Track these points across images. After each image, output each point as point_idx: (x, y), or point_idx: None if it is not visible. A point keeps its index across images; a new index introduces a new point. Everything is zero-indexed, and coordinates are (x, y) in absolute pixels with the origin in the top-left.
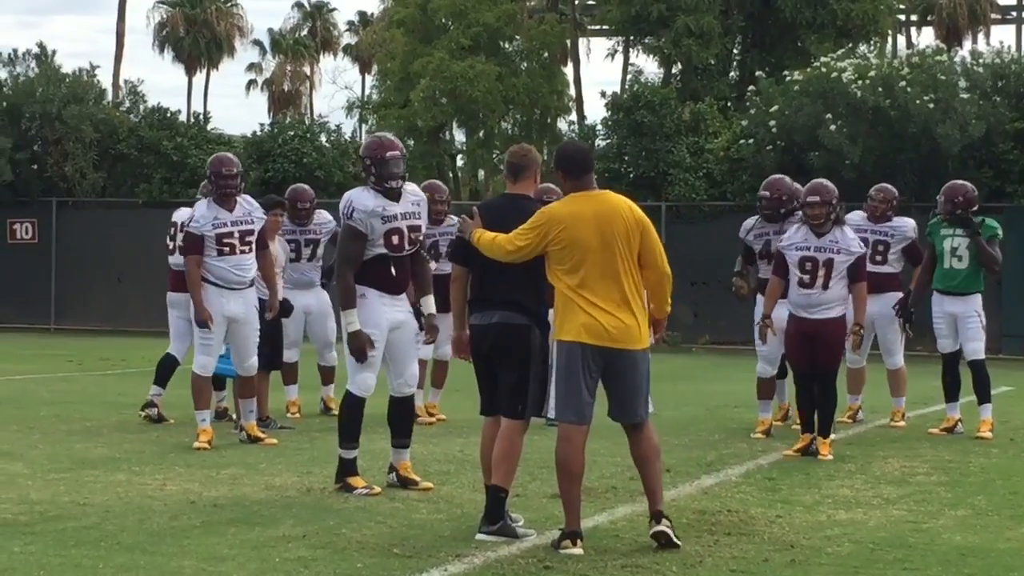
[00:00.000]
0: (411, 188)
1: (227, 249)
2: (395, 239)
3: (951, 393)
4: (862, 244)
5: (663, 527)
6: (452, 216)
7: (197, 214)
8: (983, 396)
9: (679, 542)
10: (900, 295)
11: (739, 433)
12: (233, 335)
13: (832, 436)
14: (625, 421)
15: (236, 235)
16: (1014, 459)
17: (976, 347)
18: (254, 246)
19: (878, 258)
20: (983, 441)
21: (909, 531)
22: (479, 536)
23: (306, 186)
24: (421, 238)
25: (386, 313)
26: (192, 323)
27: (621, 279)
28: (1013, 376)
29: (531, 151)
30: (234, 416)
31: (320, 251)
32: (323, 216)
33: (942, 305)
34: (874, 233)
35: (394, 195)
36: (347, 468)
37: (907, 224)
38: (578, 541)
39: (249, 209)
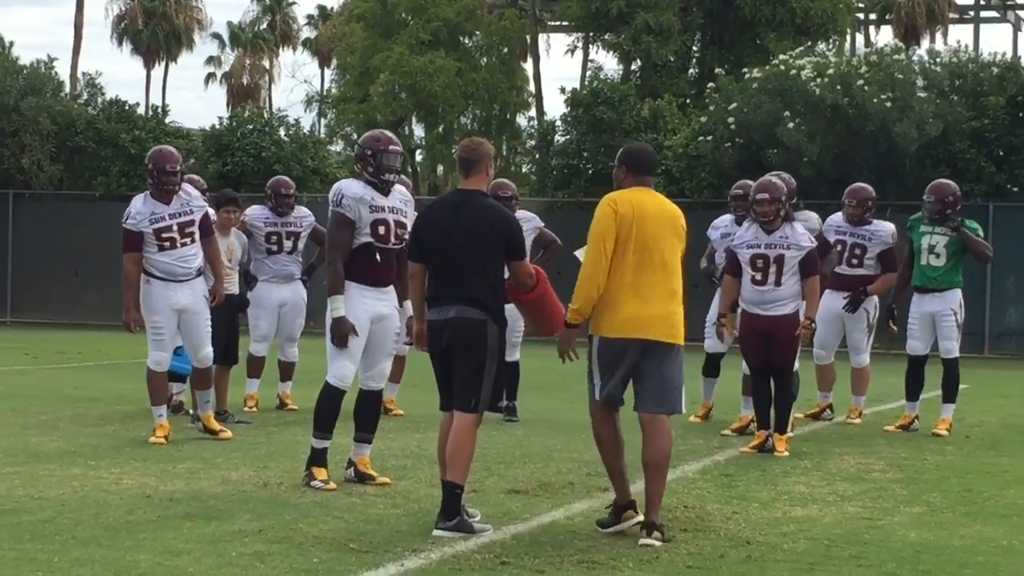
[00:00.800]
0: (400, 188)
1: (168, 243)
2: (381, 229)
3: (913, 392)
4: (812, 239)
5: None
6: None
7: (133, 210)
8: (949, 395)
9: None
10: (873, 297)
11: (696, 429)
12: (184, 326)
13: (788, 433)
14: (651, 411)
15: (175, 228)
16: (969, 457)
17: (950, 346)
18: (197, 236)
19: (854, 261)
20: (938, 439)
21: (864, 528)
22: (436, 532)
23: (286, 177)
24: (407, 236)
25: (367, 305)
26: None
27: (671, 273)
28: (968, 374)
29: (482, 144)
30: (191, 411)
31: (301, 245)
32: (303, 211)
33: (920, 305)
34: (852, 236)
35: (385, 188)
36: (315, 458)
37: (885, 228)
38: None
39: (187, 199)
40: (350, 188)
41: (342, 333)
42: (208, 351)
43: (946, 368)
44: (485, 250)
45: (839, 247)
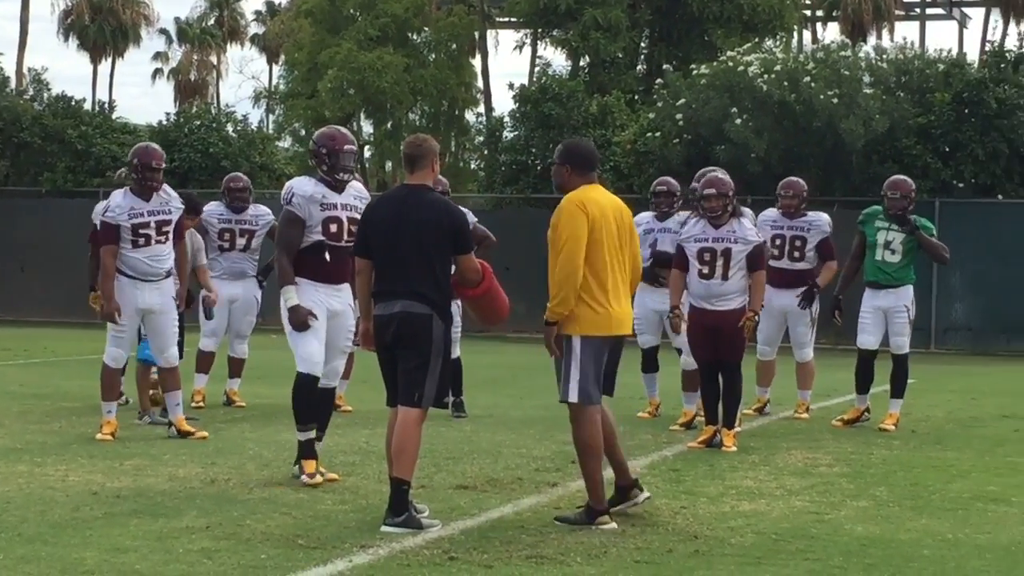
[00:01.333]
0: (357, 185)
1: (142, 240)
2: (333, 227)
3: (863, 386)
4: (759, 234)
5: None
6: None
7: (113, 203)
8: (897, 391)
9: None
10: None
11: (644, 424)
12: (151, 326)
13: (736, 428)
14: (609, 395)
15: (153, 225)
16: (915, 451)
17: (901, 342)
18: (171, 236)
19: (796, 254)
20: (885, 433)
21: (811, 522)
22: (384, 528)
23: (240, 173)
24: None
25: (320, 299)
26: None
27: (626, 267)
28: (915, 369)
29: (427, 141)
30: (128, 400)
31: (255, 243)
32: (262, 209)
33: (873, 300)
34: (791, 229)
35: (339, 186)
36: (303, 450)
37: (822, 219)
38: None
39: (167, 199)
40: (301, 187)
41: (300, 319)
42: (174, 351)
43: (896, 364)
44: (431, 245)
45: (778, 241)
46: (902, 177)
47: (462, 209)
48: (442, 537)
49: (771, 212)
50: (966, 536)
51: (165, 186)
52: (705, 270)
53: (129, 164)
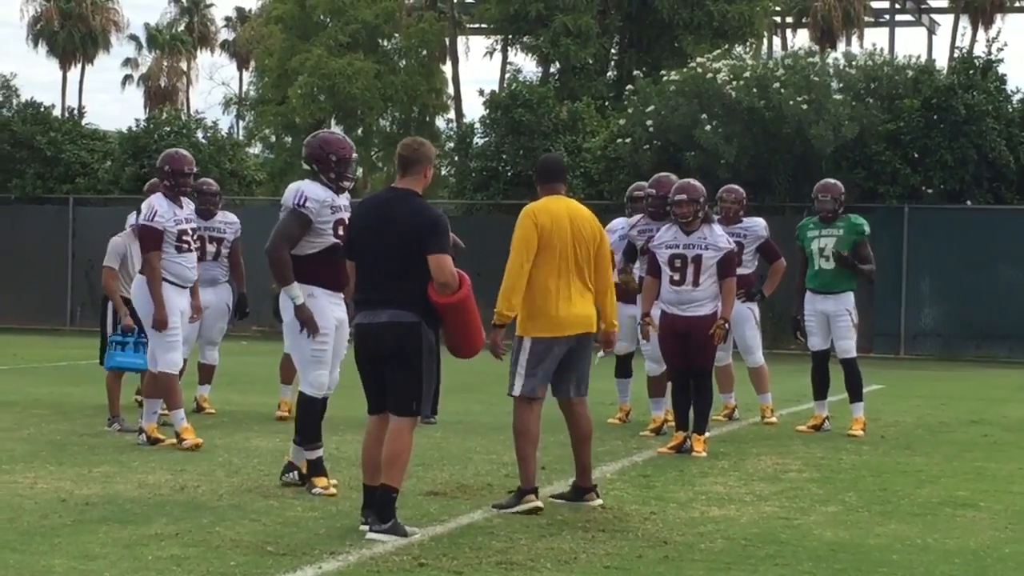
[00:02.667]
0: None
1: (185, 246)
2: (340, 229)
3: (819, 391)
4: (731, 241)
5: (600, 500)
6: None
7: (160, 209)
8: (855, 395)
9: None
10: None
11: (614, 430)
12: (189, 330)
13: (707, 434)
14: (577, 396)
15: (190, 232)
16: (884, 456)
17: (847, 345)
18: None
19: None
20: (854, 439)
21: (781, 527)
22: (370, 535)
23: (211, 180)
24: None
25: (333, 311)
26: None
27: (585, 273)
28: (884, 374)
29: (424, 145)
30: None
31: (225, 251)
32: (230, 216)
33: (814, 304)
34: (731, 235)
35: (339, 191)
36: (314, 469)
37: (758, 223)
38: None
39: (191, 208)
40: (314, 191)
41: (309, 317)
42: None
43: (846, 368)
44: (414, 250)
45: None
46: (831, 180)
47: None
48: (412, 543)
49: None
50: (935, 541)
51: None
52: (676, 276)
53: (160, 171)
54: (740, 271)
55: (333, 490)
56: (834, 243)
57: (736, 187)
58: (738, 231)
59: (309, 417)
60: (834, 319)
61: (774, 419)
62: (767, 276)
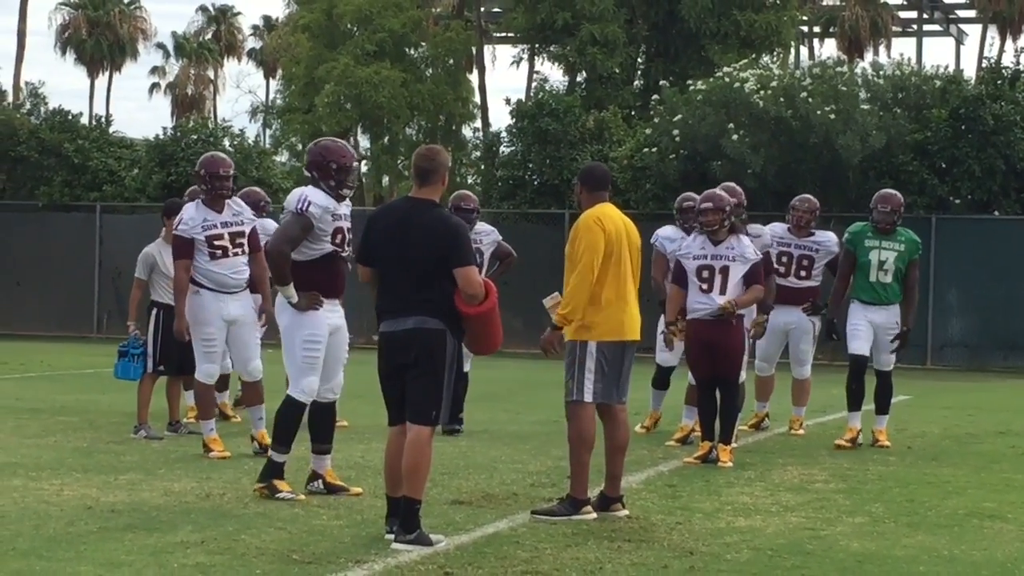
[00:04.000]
0: None
1: (219, 252)
2: (339, 238)
3: (855, 401)
4: (758, 252)
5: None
6: None
7: (186, 216)
8: (883, 407)
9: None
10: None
11: (640, 440)
12: (233, 338)
13: (733, 444)
14: (620, 403)
15: (226, 237)
16: (911, 467)
17: (889, 359)
18: (246, 247)
19: (802, 273)
20: (882, 449)
21: (807, 538)
22: (395, 545)
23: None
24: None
25: (328, 319)
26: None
27: (633, 279)
28: (910, 385)
29: (440, 153)
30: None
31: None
32: (269, 224)
33: (865, 312)
34: (798, 248)
35: (339, 198)
36: (275, 470)
37: (830, 238)
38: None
39: (238, 211)
40: (316, 196)
41: (308, 303)
42: (257, 363)
43: (882, 380)
44: (437, 260)
45: (784, 259)
46: (891, 191)
47: (489, 227)
48: (437, 552)
49: (778, 227)
50: (962, 552)
51: (235, 198)
52: (704, 286)
53: (197, 175)
54: (808, 284)
55: (302, 496)
56: (895, 258)
57: (810, 197)
58: (810, 244)
59: (289, 421)
60: (884, 331)
61: (802, 431)
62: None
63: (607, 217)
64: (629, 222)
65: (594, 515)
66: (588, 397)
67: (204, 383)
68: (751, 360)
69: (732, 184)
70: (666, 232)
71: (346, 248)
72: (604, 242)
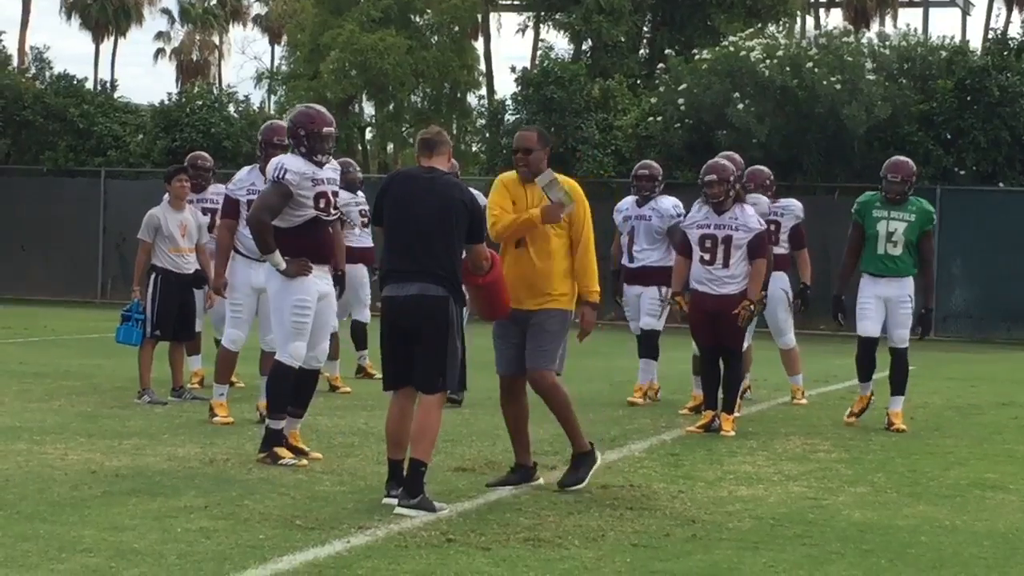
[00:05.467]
0: (331, 159)
1: None
2: (322, 202)
3: (865, 373)
4: (762, 222)
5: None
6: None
7: (236, 177)
8: (898, 387)
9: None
10: (785, 275)
11: (643, 409)
12: (263, 307)
13: (735, 413)
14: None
15: None
16: (913, 438)
17: (903, 334)
18: None
19: (770, 239)
20: (891, 426)
21: (809, 507)
22: (399, 510)
23: (204, 153)
24: (338, 206)
25: (316, 285)
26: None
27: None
28: (914, 356)
29: (443, 132)
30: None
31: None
32: (220, 188)
33: (874, 287)
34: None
35: (319, 163)
36: (274, 438)
37: (795, 204)
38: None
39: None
40: (292, 163)
41: (298, 269)
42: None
43: (896, 358)
44: (451, 228)
45: None
46: (902, 159)
47: (478, 193)
48: (440, 519)
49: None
50: (964, 523)
51: None
52: (707, 256)
53: (258, 144)
54: (777, 250)
55: (304, 461)
56: (905, 229)
57: (762, 168)
58: (776, 209)
59: (281, 386)
60: (895, 305)
61: (804, 400)
62: (797, 266)
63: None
64: (576, 186)
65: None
66: (563, 367)
67: (227, 349)
68: (762, 329)
69: (731, 153)
70: (623, 203)
71: (332, 212)
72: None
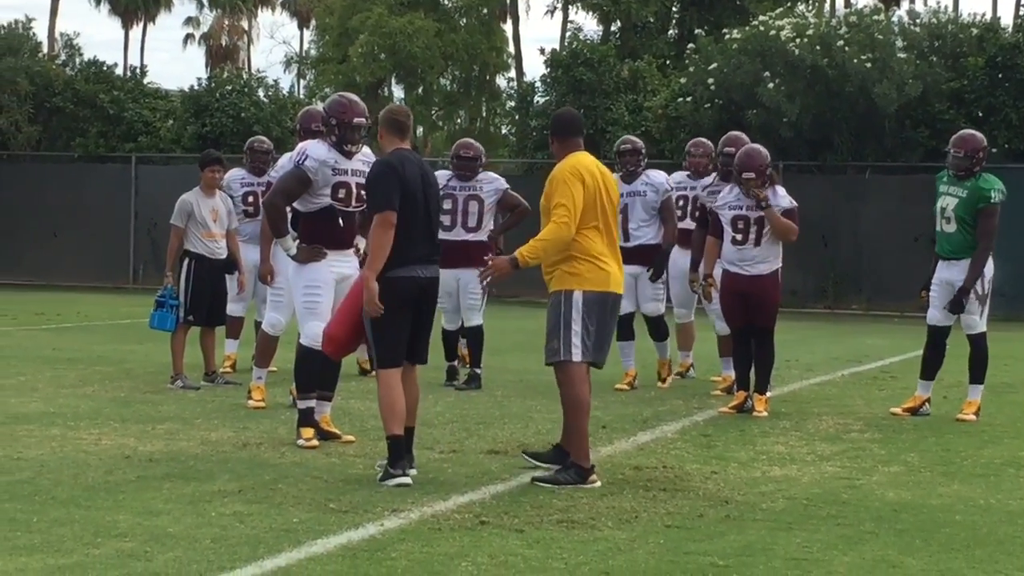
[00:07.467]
0: (364, 149)
1: None
2: (341, 192)
3: (928, 371)
4: (792, 201)
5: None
6: None
7: (278, 163)
8: (975, 375)
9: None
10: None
11: (675, 390)
12: None
13: (768, 393)
14: (597, 363)
15: None
16: (947, 416)
17: (969, 321)
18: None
19: (697, 214)
20: (963, 422)
21: (843, 487)
22: (409, 475)
23: (263, 137)
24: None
25: (332, 266)
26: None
27: (613, 232)
28: (954, 335)
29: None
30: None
31: None
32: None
33: (939, 271)
34: (692, 190)
35: (349, 153)
36: (301, 417)
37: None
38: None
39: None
40: (315, 150)
41: (309, 255)
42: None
43: (971, 345)
44: (439, 210)
45: (681, 202)
46: (969, 132)
47: (493, 175)
48: (473, 501)
49: (678, 174)
50: (998, 502)
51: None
52: (739, 237)
53: (295, 129)
54: (684, 226)
55: (315, 442)
56: (956, 205)
57: (705, 141)
58: (694, 185)
59: (302, 367)
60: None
61: (681, 375)
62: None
63: (584, 168)
64: (607, 171)
65: (599, 483)
66: (576, 356)
67: (267, 333)
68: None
69: (739, 134)
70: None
71: (353, 203)
72: (584, 195)
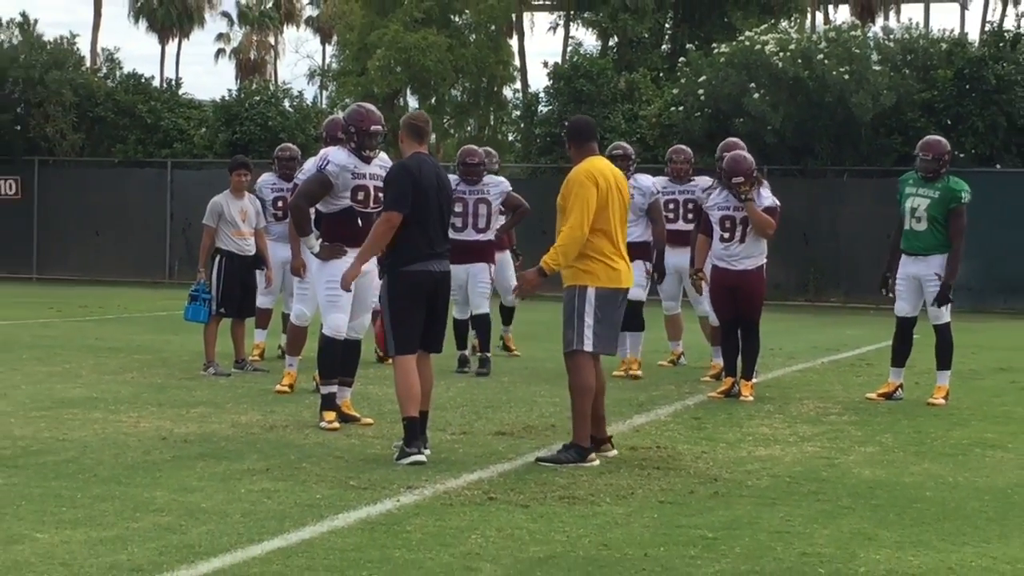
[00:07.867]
0: (382, 155)
1: None
2: (360, 195)
3: (898, 358)
4: (776, 200)
5: (615, 451)
6: None
7: (304, 167)
8: (943, 362)
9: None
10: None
11: (668, 376)
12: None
13: (753, 379)
14: (613, 353)
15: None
16: (919, 401)
17: (939, 312)
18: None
19: (689, 216)
20: (934, 407)
21: (822, 466)
22: (425, 454)
23: (289, 144)
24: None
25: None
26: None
27: (622, 230)
28: (919, 325)
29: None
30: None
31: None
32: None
33: (906, 266)
34: (682, 193)
35: (367, 159)
36: (324, 402)
37: (706, 182)
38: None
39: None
40: (336, 156)
41: (332, 252)
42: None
43: (936, 335)
44: (451, 210)
45: (671, 205)
46: (935, 138)
47: (498, 178)
48: (482, 479)
49: (660, 179)
50: (965, 479)
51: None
52: (726, 235)
53: (322, 136)
54: (682, 227)
55: (337, 424)
56: (928, 205)
57: (685, 148)
58: (692, 188)
59: (323, 355)
60: (924, 283)
61: (673, 363)
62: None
63: (599, 171)
64: (620, 174)
65: (597, 462)
66: (588, 346)
67: (294, 324)
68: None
69: (736, 140)
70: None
71: (371, 206)
72: (596, 197)
